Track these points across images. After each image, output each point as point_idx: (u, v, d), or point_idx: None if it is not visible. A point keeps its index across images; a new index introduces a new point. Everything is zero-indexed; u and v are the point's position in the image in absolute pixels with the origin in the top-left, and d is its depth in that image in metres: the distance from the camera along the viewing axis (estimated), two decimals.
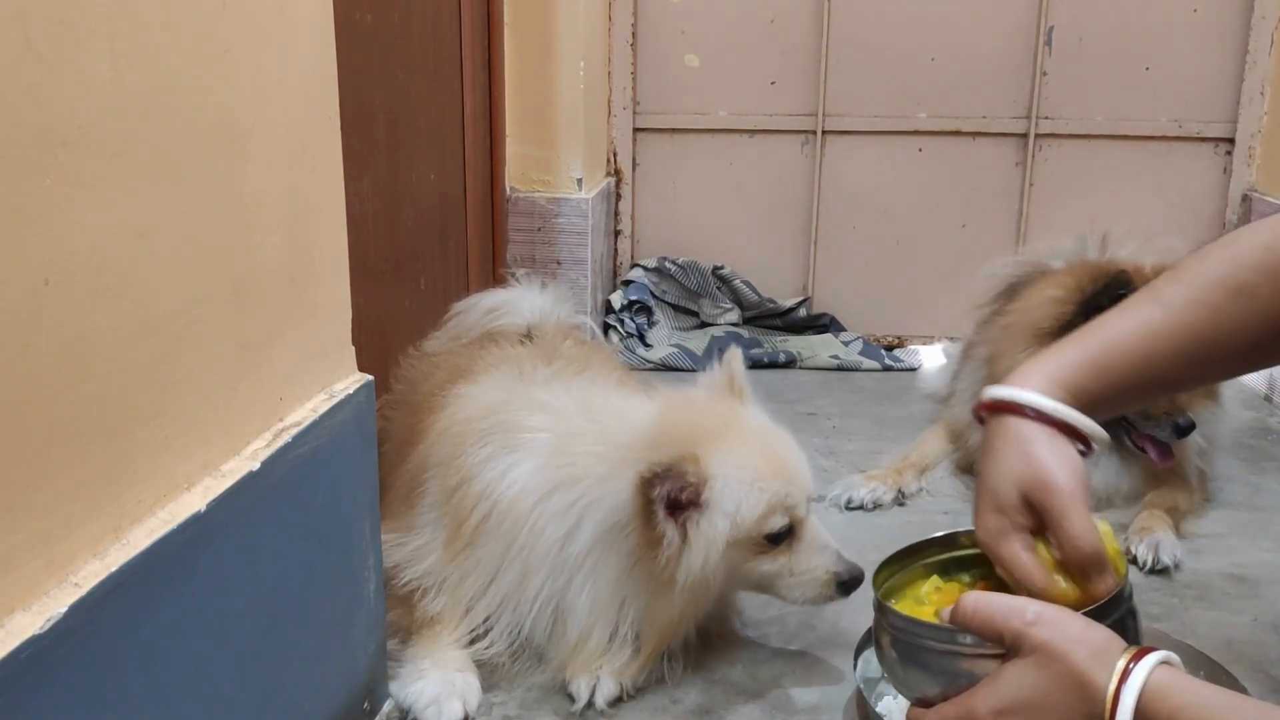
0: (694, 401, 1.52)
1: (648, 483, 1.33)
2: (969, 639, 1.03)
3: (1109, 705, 0.91)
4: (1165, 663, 0.93)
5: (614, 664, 1.44)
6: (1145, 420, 1.99)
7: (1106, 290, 1.88)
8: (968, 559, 1.22)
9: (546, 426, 1.48)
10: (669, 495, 1.34)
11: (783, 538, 1.42)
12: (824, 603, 1.46)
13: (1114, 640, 0.97)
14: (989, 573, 1.16)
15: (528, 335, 1.86)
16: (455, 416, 1.54)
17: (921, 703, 1.09)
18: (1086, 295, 1.93)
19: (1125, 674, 0.92)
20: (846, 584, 1.44)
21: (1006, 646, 0.99)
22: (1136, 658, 0.93)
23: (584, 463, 1.42)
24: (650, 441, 1.38)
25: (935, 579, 1.21)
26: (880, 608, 1.14)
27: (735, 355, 1.54)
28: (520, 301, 1.95)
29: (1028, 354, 1.90)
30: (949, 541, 1.24)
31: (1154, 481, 2.05)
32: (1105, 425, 1.11)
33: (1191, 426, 1.96)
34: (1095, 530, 1.05)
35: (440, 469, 1.51)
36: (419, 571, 1.48)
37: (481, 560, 1.46)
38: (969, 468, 2.19)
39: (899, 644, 1.10)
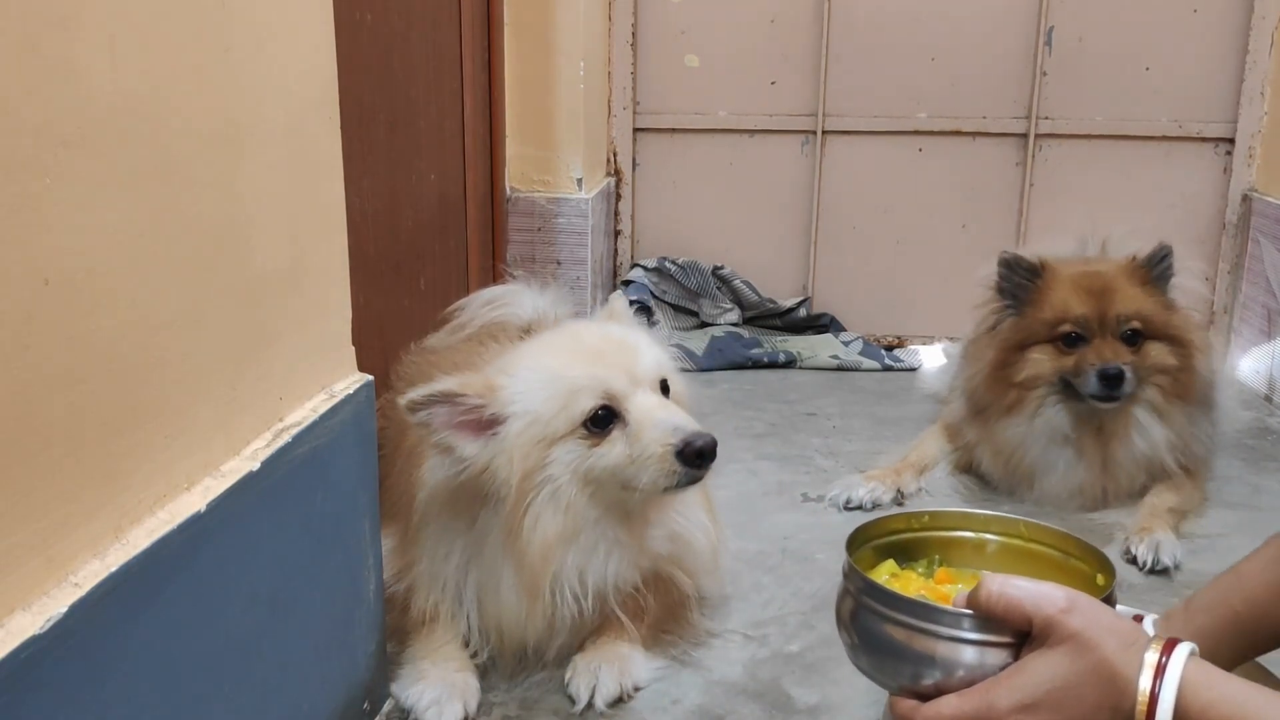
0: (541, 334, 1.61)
1: (410, 410, 1.34)
2: (968, 623, 0.98)
3: (1145, 701, 0.89)
4: (1192, 654, 0.92)
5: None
6: (1075, 378, 1.99)
7: (1002, 272, 2.07)
8: (912, 542, 1.22)
9: None
10: (451, 421, 1.35)
11: (607, 422, 1.36)
12: (678, 482, 1.34)
13: (1139, 631, 0.95)
14: (941, 559, 1.21)
15: (527, 331, 1.86)
16: None
17: (912, 693, 1.02)
18: (999, 283, 2.09)
19: (1160, 669, 0.90)
20: (684, 454, 1.31)
21: (1033, 635, 0.95)
22: (1166, 650, 0.91)
23: None
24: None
25: (891, 564, 1.19)
26: (872, 585, 1.07)
27: (618, 295, 1.66)
28: (520, 293, 1.96)
29: (985, 344, 2.12)
30: (904, 521, 1.24)
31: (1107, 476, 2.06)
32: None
33: (1119, 375, 1.94)
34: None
35: (408, 475, 1.52)
36: (395, 572, 1.49)
37: (433, 555, 1.46)
38: (968, 468, 2.21)
39: (892, 626, 1.03)
